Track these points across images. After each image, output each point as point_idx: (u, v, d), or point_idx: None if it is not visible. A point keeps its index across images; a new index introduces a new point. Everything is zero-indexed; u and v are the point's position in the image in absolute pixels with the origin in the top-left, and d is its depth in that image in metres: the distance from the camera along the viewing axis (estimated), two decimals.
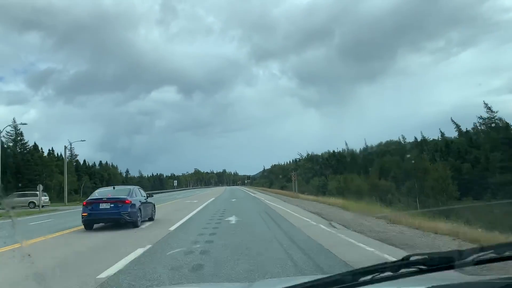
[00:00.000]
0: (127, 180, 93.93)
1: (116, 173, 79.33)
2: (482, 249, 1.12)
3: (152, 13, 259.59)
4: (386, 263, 1.10)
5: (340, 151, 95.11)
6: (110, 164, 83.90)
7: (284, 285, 1.50)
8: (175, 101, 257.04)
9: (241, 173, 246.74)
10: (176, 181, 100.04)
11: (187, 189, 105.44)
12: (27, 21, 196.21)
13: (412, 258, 1.13)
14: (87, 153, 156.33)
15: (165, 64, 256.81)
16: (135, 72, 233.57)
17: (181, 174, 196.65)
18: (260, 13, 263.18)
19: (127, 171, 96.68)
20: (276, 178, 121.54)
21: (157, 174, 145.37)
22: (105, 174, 75.36)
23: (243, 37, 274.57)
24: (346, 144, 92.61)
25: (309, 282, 1.12)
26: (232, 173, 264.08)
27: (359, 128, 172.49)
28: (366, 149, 79.90)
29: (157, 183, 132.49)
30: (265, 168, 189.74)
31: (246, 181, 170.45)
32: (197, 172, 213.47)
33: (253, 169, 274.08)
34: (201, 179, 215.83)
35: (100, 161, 79.19)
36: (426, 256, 1.12)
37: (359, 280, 1.07)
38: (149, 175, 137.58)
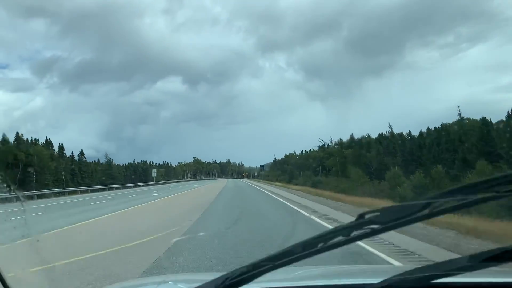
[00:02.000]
0: (80, 167, 62.54)
1: (44, 154, 48.11)
2: (439, 195, 0.93)
3: (157, 2, 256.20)
4: (338, 226, 1.01)
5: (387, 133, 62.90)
6: (34, 139, 52.74)
7: (290, 275, 1.50)
8: (180, 91, 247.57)
9: (246, 165, 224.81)
10: (155, 170, 69.36)
11: (171, 183, 74.25)
12: (32, 8, 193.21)
13: (366, 216, 1.00)
14: (93, 143, 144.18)
15: (170, 54, 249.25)
16: (141, 62, 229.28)
17: (177, 163, 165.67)
18: (267, 4, 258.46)
19: (81, 153, 65.20)
20: (299, 169, 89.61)
21: (140, 161, 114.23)
22: (21, 155, 44.08)
23: (250, 28, 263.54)
24: (390, 125, 61.10)
25: (263, 259, 1.05)
26: (237, 164, 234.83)
27: (365, 123, 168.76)
28: (460, 121, 47.39)
29: (139, 174, 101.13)
30: (277, 159, 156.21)
31: (256, 173, 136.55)
32: (196, 161, 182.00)
33: (258, 161, 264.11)
34: (200, 170, 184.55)
35: (17, 133, 47.99)
36: (378, 213, 0.97)
37: (310, 250, 1.00)
38: (130, 162, 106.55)
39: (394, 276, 1.19)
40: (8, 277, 1.47)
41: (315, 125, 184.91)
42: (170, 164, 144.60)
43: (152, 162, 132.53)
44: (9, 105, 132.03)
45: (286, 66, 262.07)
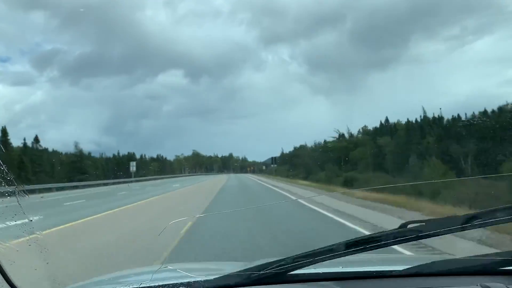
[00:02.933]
0: (32, 158, 47.30)
1: None
2: (480, 214, 1.09)
3: None
4: (383, 231, 1.09)
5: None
6: None
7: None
8: (182, 85, 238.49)
9: (250, 159, 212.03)
10: (134, 163, 53.88)
11: (153, 179, 58.35)
12: None
13: (409, 226, 1.10)
14: (94, 137, 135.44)
15: (172, 47, 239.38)
16: (142, 55, 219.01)
17: (174, 157, 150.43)
18: None
19: (36, 141, 49.95)
20: (314, 162, 73.79)
21: (127, 153, 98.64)
22: None
23: (252, 21, 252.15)
24: (424, 110, 46.95)
25: (302, 253, 1.15)
26: (240, 158, 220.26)
27: (369, 117, 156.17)
28: None
29: (124, 168, 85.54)
30: (284, 152, 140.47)
31: (265, 167, 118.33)
32: (196, 154, 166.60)
33: (262, 156, 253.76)
34: (200, 164, 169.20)
35: None
36: (424, 223, 1.09)
37: (352, 249, 1.08)
38: (114, 155, 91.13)
39: (417, 266, 1.29)
40: (12, 274, 1.42)
41: (320, 118, 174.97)
42: (165, 158, 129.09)
43: (144, 155, 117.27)
44: (10, 99, 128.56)
45: (290, 59, 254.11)
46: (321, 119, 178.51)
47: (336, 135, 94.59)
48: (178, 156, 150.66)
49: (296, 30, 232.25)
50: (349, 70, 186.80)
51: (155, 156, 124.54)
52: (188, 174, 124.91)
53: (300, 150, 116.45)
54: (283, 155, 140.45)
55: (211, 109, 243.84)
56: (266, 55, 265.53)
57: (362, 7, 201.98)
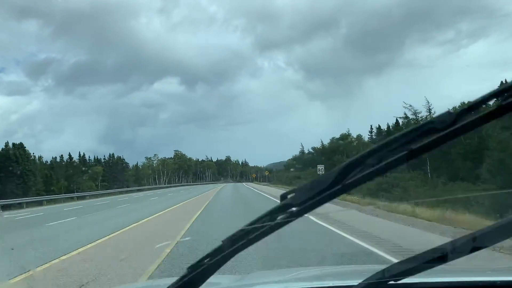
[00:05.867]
0: None
1: None
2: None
3: (152, 1, 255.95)
4: (264, 213, 0.95)
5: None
6: None
7: (279, 277, 1.58)
8: (177, 93, 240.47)
9: (251, 164, 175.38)
10: None
11: None
12: (24, 9, 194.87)
13: (288, 196, 0.97)
14: (90, 146, 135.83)
15: (167, 55, 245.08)
16: (137, 63, 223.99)
17: (144, 160, 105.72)
18: (264, 2, 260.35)
19: None
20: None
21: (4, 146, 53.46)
22: None
23: (247, 27, 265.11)
24: None
25: (199, 259, 1.04)
26: (240, 163, 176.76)
27: (366, 121, 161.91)
28: None
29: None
30: (305, 151, 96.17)
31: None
32: (179, 157, 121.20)
33: (263, 161, 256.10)
34: (186, 170, 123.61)
35: None
36: (294, 194, 0.93)
37: (239, 244, 0.96)
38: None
39: (373, 276, 1.20)
40: None
41: (316, 124, 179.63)
42: (122, 159, 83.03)
43: (83, 155, 72.26)
44: (6, 109, 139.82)
45: (285, 66, 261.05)
46: (319, 123, 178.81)
47: (410, 113, 51.11)
48: (149, 158, 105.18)
49: (291, 36, 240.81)
50: (345, 75, 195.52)
51: (103, 157, 78.96)
52: (162, 186, 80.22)
53: (336, 143, 71.39)
54: (303, 154, 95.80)
55: (208, 116, 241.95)
56: (262, 62, 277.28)
57: (356, 12, 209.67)
